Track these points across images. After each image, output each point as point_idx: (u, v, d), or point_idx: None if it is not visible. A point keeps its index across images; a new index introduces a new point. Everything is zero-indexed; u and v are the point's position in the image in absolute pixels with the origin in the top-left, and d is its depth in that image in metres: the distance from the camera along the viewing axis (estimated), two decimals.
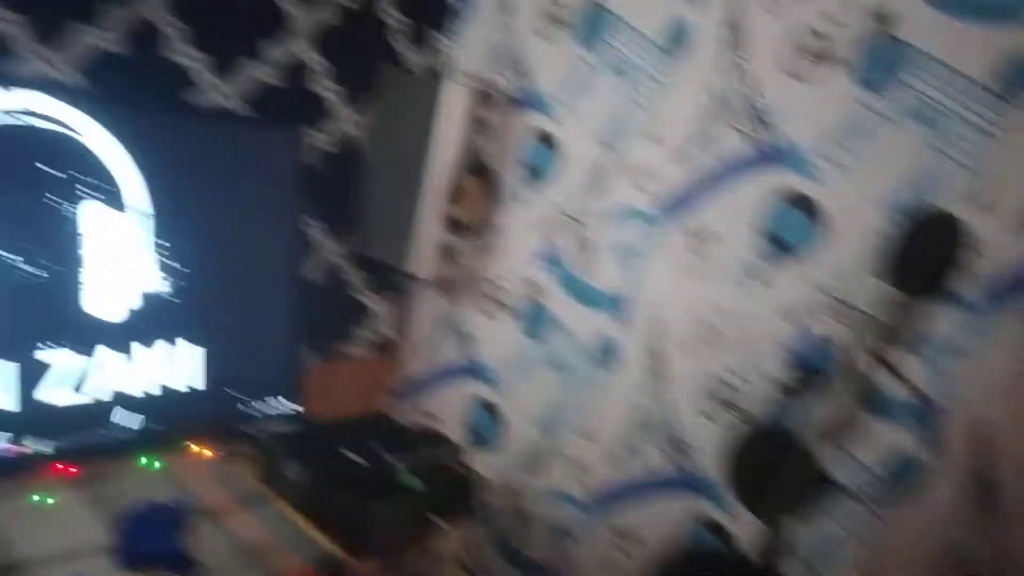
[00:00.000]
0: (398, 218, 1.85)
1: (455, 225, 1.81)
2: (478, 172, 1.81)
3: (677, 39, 1.70)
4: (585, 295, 1.86)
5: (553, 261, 1.90)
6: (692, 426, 1.71)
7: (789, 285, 1.57)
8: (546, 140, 1.89)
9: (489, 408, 2.04)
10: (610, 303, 1.82)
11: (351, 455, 1.54)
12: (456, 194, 1.78)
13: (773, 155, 1.58)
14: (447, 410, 2.11)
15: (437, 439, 1.65)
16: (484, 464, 1.71)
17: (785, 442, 1.24)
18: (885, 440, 1.45)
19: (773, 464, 1.21)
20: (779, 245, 1.58)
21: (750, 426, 1.47)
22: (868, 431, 1.23)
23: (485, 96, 1.79)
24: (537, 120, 1.91)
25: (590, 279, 1.85)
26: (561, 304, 1.89)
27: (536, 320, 1.94)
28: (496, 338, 2.01)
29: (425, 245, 1.80)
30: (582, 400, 1.87)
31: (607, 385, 1.83)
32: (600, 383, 1.84)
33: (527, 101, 1.92)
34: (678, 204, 1.70)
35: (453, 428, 2.04)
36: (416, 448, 1.54)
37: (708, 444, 1.68)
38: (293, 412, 1.82)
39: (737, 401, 1.64)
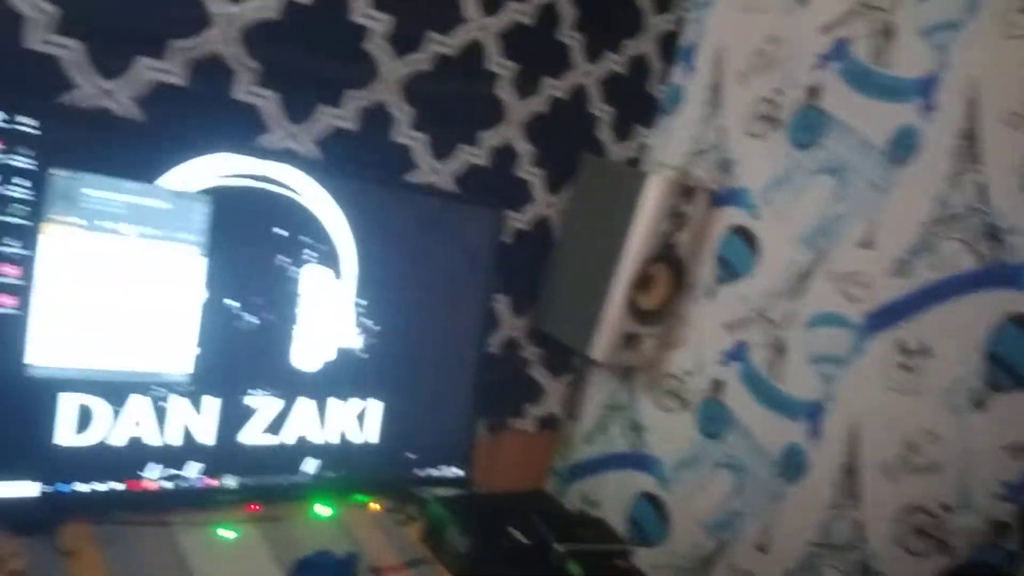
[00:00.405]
0: (581, 300, 1.87)
1: (639, 313, 1.80)
2: (668, 262, 1.80)
3: (903, 146, 1.64)
4: (772, 399, 1.77)
5: (740, 360, 1.84)
6: (883, 552, 1.57)
7: (1016, 417, 1.43)
8: (745, 237, 1.86)
9: (654, 502, 1.98)
10: (800, 410, 1.72)
11: (515, 532, 1.53)
12: (643, 282, 1.78)
13: (1005, 276, 1.48)
14: (609, 497, 2.07)
15: (602, 529, 1.62)
16: (645, 561, 1.65)
17: None
18: None
19: None
20: (1007, 372, 1.45)
21: (951, 560, 1.32)
22: None
23: (684, 188, 1.79)
24: (738, 216, 1.89)
25: (780, 383, 1.76)
26: (744, 405, 1.82)
27: (715, 418, 1.88)
28: (669, 431, 1.96)
29: (606, 330, 1.81)
30: (758, 509, 1.77)
31: (788, 496, 1.72)
32: (781, 493, 1.73)
33: (729, 197, 1.91)
34: (890, 315, 1.61)
35: (614, 517, 1.99)
36: (580, 535, 1.51)
37: (900, 574, 1.53)
38: (460, 479, 1.86)
39: (939, 533, 1.49)
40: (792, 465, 1.72)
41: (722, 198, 1.91)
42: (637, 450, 2.03)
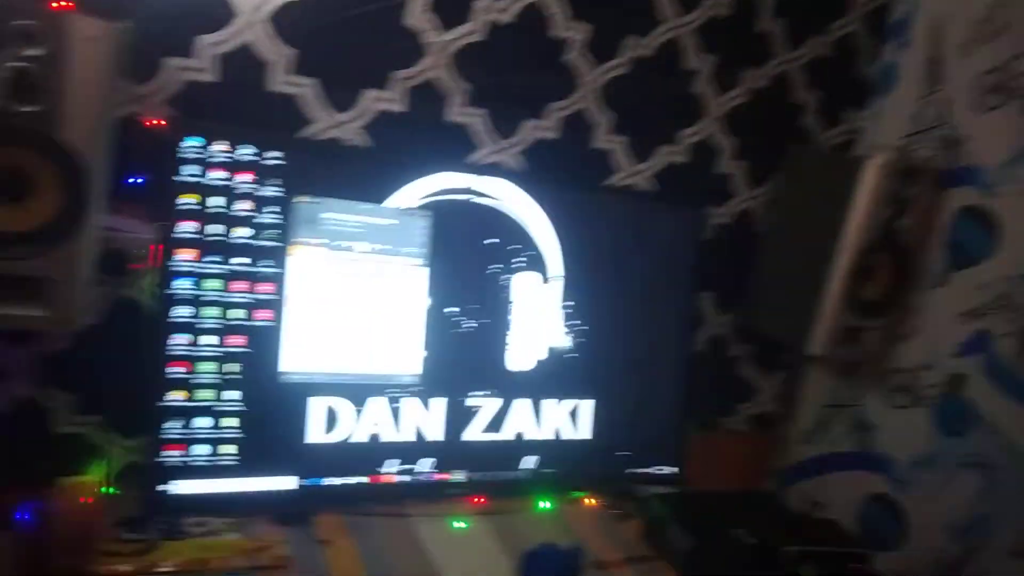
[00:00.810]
0: (794, 293, 1.79)
1: (860, 305, 1.71)
2: (891, 251, 1.69)
3: None
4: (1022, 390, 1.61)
5: (982, 351, 1.69)
6: None
7: None
8: (980, 218, 1.71)
9: (887, 504, 1.86)
10: None
11: (740, 531, 1.50)
12: (864, 273, 1.68)
13: None
14: (835, 500, 1.96)
15: (834, 530, 1.54)
16: (882, 565, 1.55)
17: None
18: None
19: None
20: None
21: None
22: None
23: (905, 171, 1.68)
24: (970, 196, 1.74)
25: None
26: (989, 399, 1.66)
27: (955, 415, 1.73)
28: (902, 429, 1.83)
29: (824, 323, 1.72)
30: (1013, 512, 1.61)
31: None
32: None
33: (958, 176, 1.77)
34: None
35: (842, 520, 1.88)
36: (810, 536, 1.46)
37: None
38: (673, 477, 1.86)
39: None
40: None
41: (950, 178, 1.77)
42: (865, 450, 1.91)
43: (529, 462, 1.74)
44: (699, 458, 1.97)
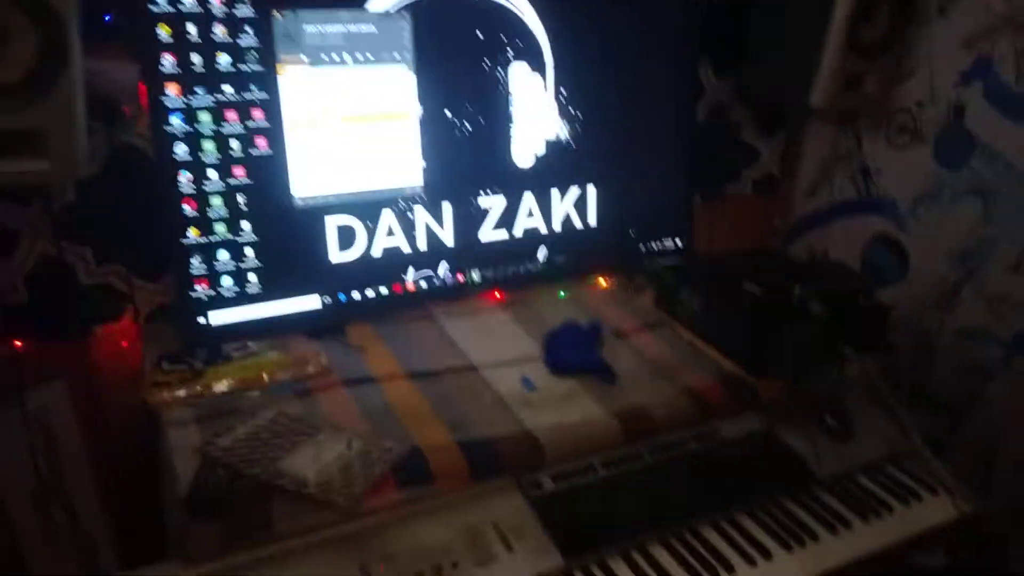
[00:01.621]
0: (793, 47, 1.74)
1: (861, 48, 1.66)
2: None
3: None
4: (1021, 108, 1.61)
5: (983, 77, 1.67)
6: None
7: None
8: None
9: (890, 244, 1.92)
10: None
11: (748, 285, 1.57)
12: (864, 13, 1.62)
13: None
14: (839, 247, 2.03)
15: (840, 270, 1.60)
16: (887, 298, 1.63)
17: None
18: None
19: None
20: None
21: None
22: None
23: None
24: None
25: None
26: (991, 125, 1.66)
27: (955, 146, 1.74)
28: (903, 169, 1.85)
29: (827, 72, 1.68)
30: (1012, 230, 1.67)
31: None
32: None
33: None
34: None
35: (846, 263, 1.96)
36: (817, 277, 1.52)
37: None
38: (681, 250, 1.91)
39: None
40: None
41: None
42: (867, 196, 1.95)
43: (542, 254, 1.79)
44: (706, 228, 2.02)
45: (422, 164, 1.59)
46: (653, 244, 1.91)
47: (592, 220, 1.81)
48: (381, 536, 1.15)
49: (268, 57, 1.40)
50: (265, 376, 1.39)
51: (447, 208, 1.65)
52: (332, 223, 1.54)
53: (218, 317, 1.47)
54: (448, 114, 1.59)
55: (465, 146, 1.63)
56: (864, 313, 1.49)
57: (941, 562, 1.55)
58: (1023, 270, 1.64)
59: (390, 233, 1.60)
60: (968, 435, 1.74)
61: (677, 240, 1.93)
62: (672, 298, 1.68)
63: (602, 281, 1.87)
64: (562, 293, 1.81)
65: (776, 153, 2.16)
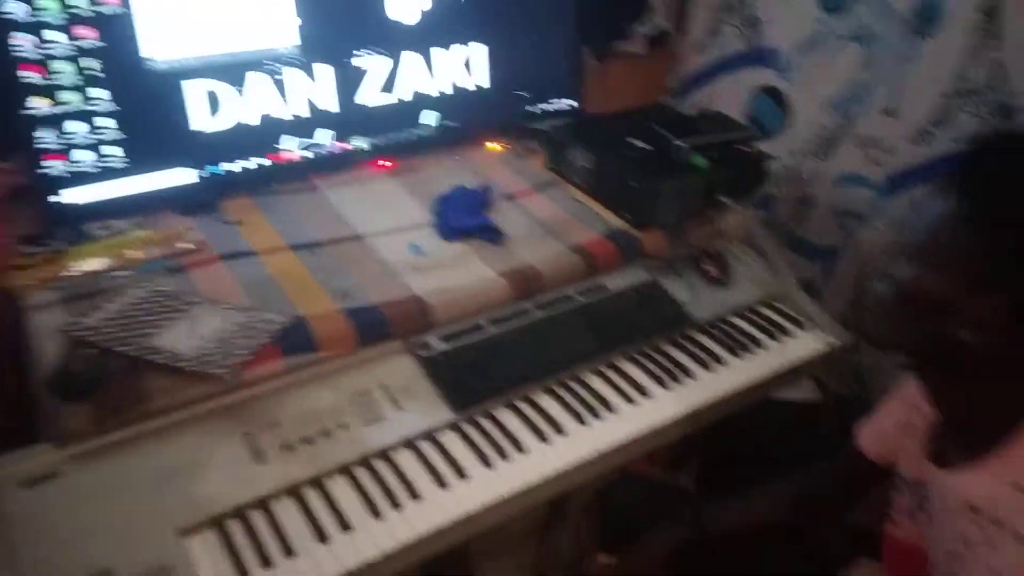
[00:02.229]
0: None
1: None
2: None
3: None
4: None
5: None
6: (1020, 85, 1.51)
7: None
8: None
9: (774, 95, 1.94)
10: None
11: (635, 140, 1.57)
12: None
13: None
14: (727, 100, 2.04)
15: (721, 121, 1.62)
16: (769, 149, 1.66)
17: None
18: None
19: None
20: None
21: None
22: None
23: None
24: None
25: None
26: None
27: None
28: (787, 18, 1.85)
29: None
30: (888, 74, 1.70)
31: (922, 53, 1.64)
32: (913, 53, 1.65)
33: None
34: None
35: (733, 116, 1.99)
36: (700, 131, 1.53)
37: None
38: (573, 110, 1.88)
39: None
40: (926, 19, 1.61)
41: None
42: (754, 46, 1.94)
43: (430, 118, 1.73)
44: (597, 87, 1.99)
45: (297, 21, 1.49)
46: (544, 105, 1.87)
47: (482, 80, 1.75)
48: (266, 405, 1.15)
49: None
50: (134, 254, 1.32)
51: (326, 70, 1.56)
52: (197, 88, 1.44)
53: (78, 195, 1.37)
54: None
55: (344, 1, 1.52)
56: (743, 163, 1.52)
57: (812, 395, 1.66)
58: (897, 113, 1.69)
59: (264, 99, 1.51)
60: (840, 276, 1.83)
61: (568, 100, 1.90)
62: (562, 158, 1.67)
63: (493, 144, 1.83)
64: (456, 159, 1.76)
65: (667, 7, 2.11)
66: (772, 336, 1.43)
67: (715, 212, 1.50)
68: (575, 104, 1.89)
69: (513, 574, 1.42)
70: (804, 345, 1.42)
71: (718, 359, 1.37)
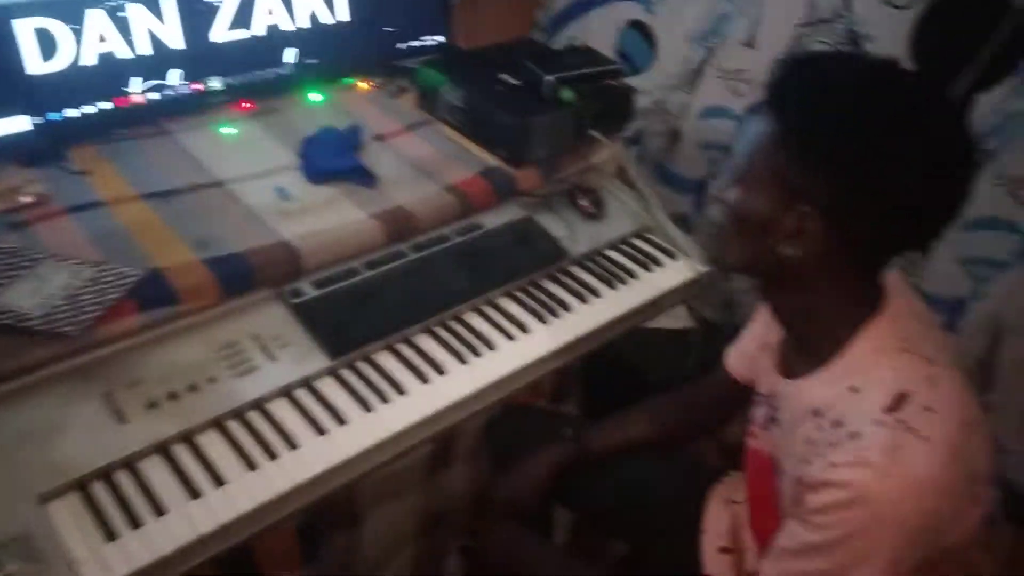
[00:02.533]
0: None
1: None
2: None
3: None
4: None
5: None
6: (868, 15, 1.58)
7: None
8: None
9: (642, 29, 1.96)
10: None
11: (505, 76, 1.55)
12: None
13: None
14: (596, 36, 2.04)
15: (589, 55, 1.61)
16: (636, 85, 1.68)
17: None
18: None
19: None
20: None
21: None
22: None
23: None
24: None
25: None
26: None
27: None
28: None
29: None
30: (746, 5, 1.75)
31: None
32: None
33: None
34: None
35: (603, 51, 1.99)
36: (568, 64, 1.52)
37: (888, 32, 1.56)
38: (443, 46, 1.83)
39: None
40: None
41: None
42: None
43: (291, 55, 1.64)
44: (466, 23, 1.94)
45: None
46: (413, 42, 1.81)
47: (342, 14, 1.67)
48: (125, 362, 1.08)
49: None
50: None
51: (170, 4, 1.44)
52: (29, 27, 1.30)
53: None
54: None
55: None
56: (611, 97, 1.53)
57: (686, 322, 1.73)
58: (756, 44, 1.74)
59: (104, 38, 1.39)
60: (707, 206, 1.89)
61: (437, 36, 1.84)
62: (433, 96, 1.63)
63: (361, 84, 1.76)
64: (318, 97, 1.69)
65: None
66: (645, 267, 1.47)
67: (587, 147, 1.50)
68: (444, 39, 1.85)
69: (402, 518, 1.42)
70: (674, 274, 1.46)
71: (594, 292, 1.39)
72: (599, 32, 2.04)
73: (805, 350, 0.91)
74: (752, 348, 1.12)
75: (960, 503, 0.81)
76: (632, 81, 1.78)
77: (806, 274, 0.84)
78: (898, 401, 0.79)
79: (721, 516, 1.16)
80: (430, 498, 1.51)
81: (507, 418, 1.32)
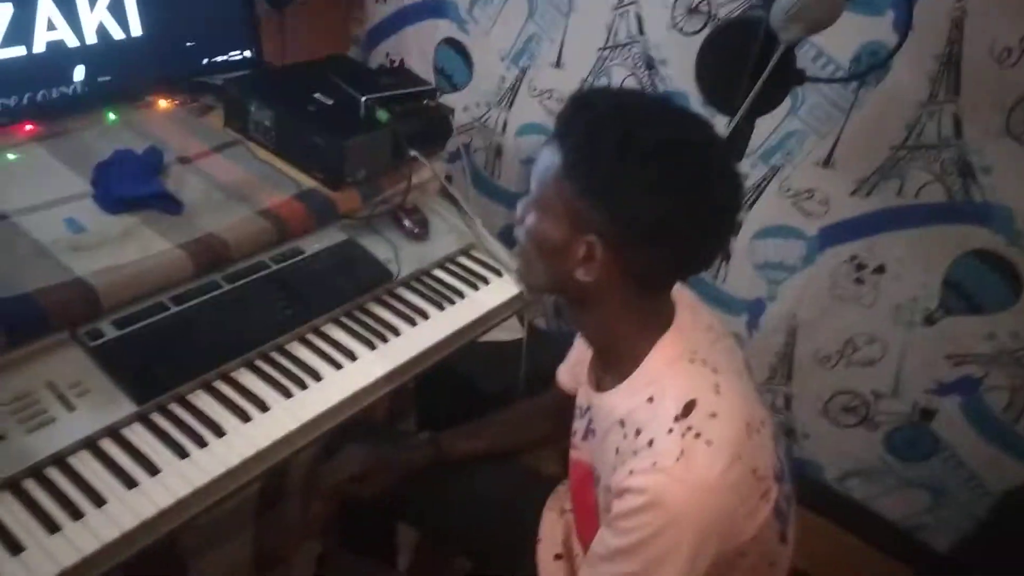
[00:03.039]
0: None
1: None
2: None
3: None
4: None
5: None
6: (663, 41, 1.68)
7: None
8: None
9: (456, 47, 1.98)
10: None
11: (317, 95, 1.50)
12: None
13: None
14: (412, 53, 2.05)
15: (406, 76, 1.61)
16: (456, 102, 1.70)
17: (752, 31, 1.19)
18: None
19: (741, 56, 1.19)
20: None
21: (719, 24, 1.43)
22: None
23: None
24: None
25: None
26: None
27: None
28: None
29: None
30: (551, 27, 1.81)
31: (575, 9, 1.77)
32: (568, 8, 1.78)
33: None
34: None
35: (421, 69, 2.00)
36: (385, 84, 1.51)
37: (678, 56, 1.67)
38: (250, 61, 1.76)
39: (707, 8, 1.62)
40: None
41: None
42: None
43: (79, 73, 1.51)
44: (276, 37, 1.88)
45: None
46: (217, 57, 1.72)
47: (135, 28, 1.56)
48: None
49: None
50: None
51: None
52: None
53: None
54: None
55: None
56: (429, 117, 1.53)
57: (518, 334, 1.76)
58: (562, 64, 1.81)
59: None
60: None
61: (245, 51, 1.76)
62: (243, 115, 1.55)
63: (161, 102, 1.65)
64: (112, 118, 1.56)
65: None
66: (473, 285, 1.47)
67: (407, 167, 1.49)
68: (253, 55, 1.77)
69: (229, 565, 1.34)
70: (500, 291, 1.48)
71: (423, 313, 1.38)
72: (415, 48, 2.04)
73: (610, 364, 0.96)
74: (575, 361, 1.17)
75: (750, 499, 0.87)
76: (452, 97, 1.81)
77: (601, 296, 0.89)
78: (687, 409, 0.84)
79: (556, 524, 1.19)
80: (263, 538, 1.44)
81: (345, 440, 1.28)
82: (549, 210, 0.87)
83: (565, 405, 1.21)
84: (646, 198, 0.81)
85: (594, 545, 0.90)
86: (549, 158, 0.86)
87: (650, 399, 0.88)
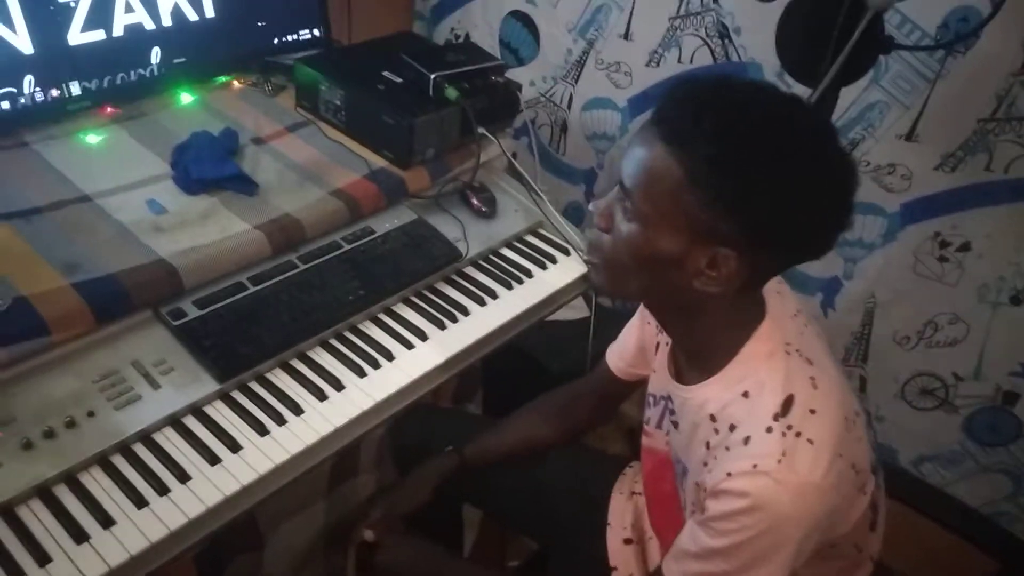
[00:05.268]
0: None
1: None
2: None
3: None
4: None
5: None
6: (739, 8, 1.63)
7: None
8: None
9: (523, 19, 1.95)
10: None
11: (386, 73, 1.51)
12: None
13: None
14: (478, 27, 2.03)
15: (473, 52, 1.59)
16: (522, 77, 1.68)
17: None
18: None
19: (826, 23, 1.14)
20: None
21: None
22: None
23: None
24: None
25: None
26: None
27: None
28: None
29: None
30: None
31: None
32: None
33: None
34: None
35: (487, 43, 1.98)
36: (453, 61, 1.50)
37: (754, 24, 1.61)
38: (319, 39, 1.77)
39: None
40: None
41: None
42: None
43: (155, 55, 1.54)
44: (343, 14, 1.88)
45: None
46: (288, 37, 1.74)
47: (208, 10, 1.58)
48: None
49: None
50: None
51: (14, 5, 1.32)
52: None
53: None
54: None
55: None
56: (497, 94, 1.52)
57: (585, 313, 1.75)
58: (632, 36, 1.77)
59: None
60: (586, 229, 1.93)
61: (313, 30, 1.77)
62: (313, 95, 1.57)
63: (235, 82, 1.68)
64: (189, 99, 1.60)
65: None
66: (541, 265, 1.47)
67: (475, 144, 1.49)
68: (322, 34, 1.78)
69: (306, 534, 1.38)
70: (568, 271, 1.47)
71: (492, 293, 1.38)
72: (481, 22, 2.02)
73: (699, 357, 0.93)
74: (632, 346, 1.15)
75: (850, 494, 0.85)
76: (518, 72, 1.78)
77: (706, 303, 0.84)
78: (786, 406, 0.82)
79: (625, 508, 1.19)
80: (335, 511, 1.48)
81: (410, 421, 1.30)
82: (663, 222, 0.79)
83: (613, 388, 1.19)
84: (792, 206, 0.76)
85: (683, 541, 0.89)
86: (662, 166, 0.78)
87: (745, 394, 0.85)
